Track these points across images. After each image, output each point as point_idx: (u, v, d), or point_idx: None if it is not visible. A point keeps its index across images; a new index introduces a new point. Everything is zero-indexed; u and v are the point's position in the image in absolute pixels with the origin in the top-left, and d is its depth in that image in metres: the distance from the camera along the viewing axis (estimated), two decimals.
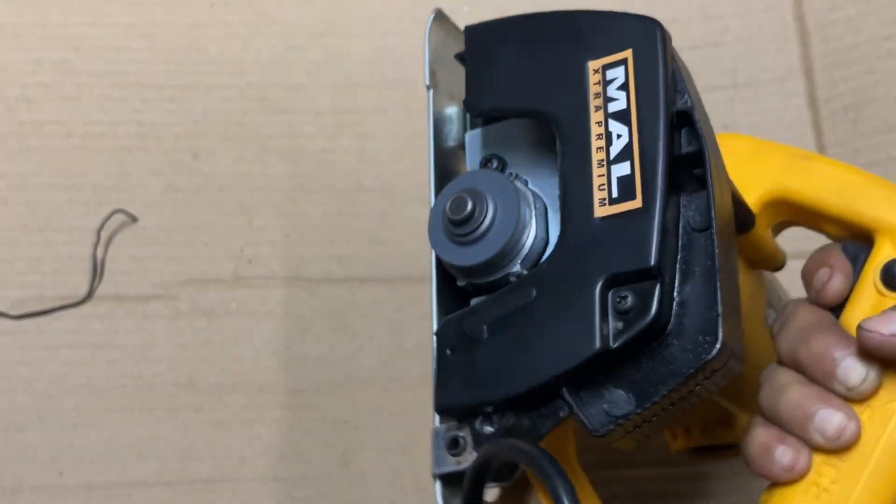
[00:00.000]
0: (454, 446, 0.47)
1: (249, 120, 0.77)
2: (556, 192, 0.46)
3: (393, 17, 0.80)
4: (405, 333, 0.72)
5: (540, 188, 0.48)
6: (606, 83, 0.45)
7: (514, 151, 0.50)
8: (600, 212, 0.43)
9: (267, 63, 0.79)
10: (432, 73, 0.55)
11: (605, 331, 0.42)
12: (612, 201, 0.43)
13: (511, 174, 0.49)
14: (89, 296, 0.71)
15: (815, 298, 0.51)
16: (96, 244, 0.72)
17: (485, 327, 0.45)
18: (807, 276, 0.52)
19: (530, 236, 0.46)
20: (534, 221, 0.46)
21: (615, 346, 0.42)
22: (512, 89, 0.48)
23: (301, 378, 0.69)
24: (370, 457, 0.69)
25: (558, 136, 0.46)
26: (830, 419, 0.46)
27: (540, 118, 0.47)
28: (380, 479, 0.69)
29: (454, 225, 0.47)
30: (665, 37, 0.45)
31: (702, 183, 0.44)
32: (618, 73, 0.45)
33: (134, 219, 0.73)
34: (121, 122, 0.76)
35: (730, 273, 0.44)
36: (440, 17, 0.55)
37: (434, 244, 0.49)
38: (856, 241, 0.51)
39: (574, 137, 0.45)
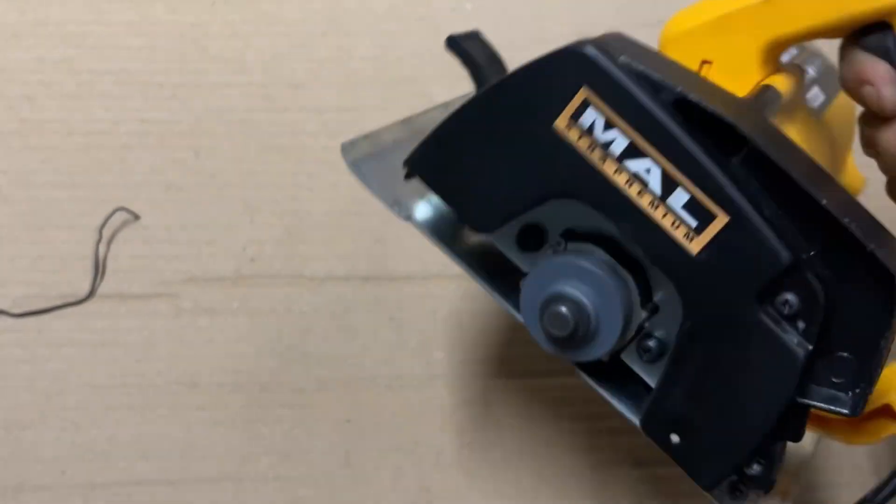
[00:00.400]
0: (734, 492, 0.45)
1: (251, 118, 0.77)
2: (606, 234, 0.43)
3: (395, 15, 0.80)
4: (408, 332, 0.72)
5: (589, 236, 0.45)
6: (589, 131, 0.41)
7: (544, 213, 0.45)
8: (695, 246, 0.41)
9: (269, 61, 0.79)
10: (398, 204, 0.49)
11: (795, 339, 0.41)
12: (698, 230, 0.40)
13: (560, 244, 0.45)
14: (91, 294, 0.71)
15: (880, 115, 0.47)
16: (98, 242, 0.72)
17: (687, 405, 0.43)
18: (855, 98, 0.48)
19: (636, 308, 0.44)
20: (630, 293, 0.44)
21: (813, 346, 0.40)
22: (505, 194, 0.44)
23: (303, 377, 0.69)
24: (373, 456, 0.69)
25: (591, 207, 0.42)
26: None
27: (557, 198, 0.44)
28: (382, 478, 0.69)
29: (560, 339, 0.45)
30: (606, 48, 0.41)
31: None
32: (591, 116, 0.41)
33: (136, 217, 0.73)
34: (122, 121, 0.76)
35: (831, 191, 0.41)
36: (347, 148, 0.50)
37: (542, 344, 0.46)
38: (869, 32, 0.46)
39: (607, 199, 0.42)
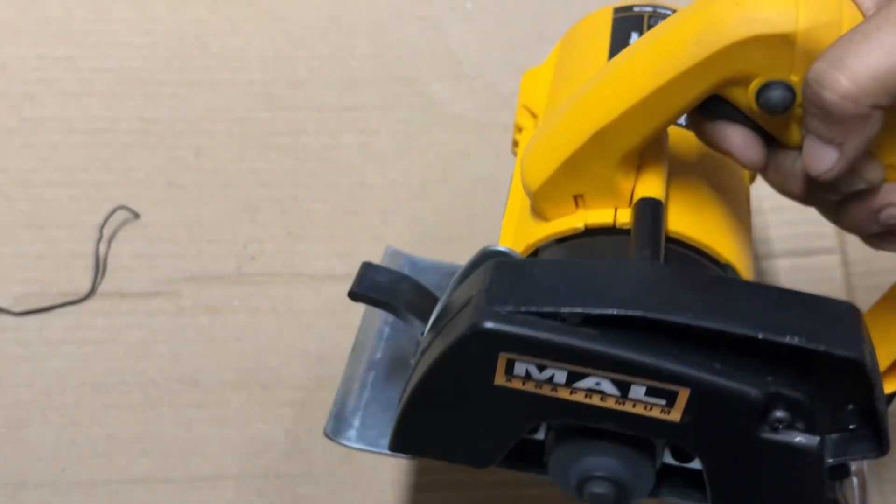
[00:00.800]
0: None
1: (252, 116, 0.77)
2: None
3: (395, 13, 0.80)
4: None
5: None
6: (528, 377, 0.42)
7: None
8: (675, 416, 0.42)
9: (269, 59, 0.79)
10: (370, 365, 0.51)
11: (803, 439, 0.42)
12: (669, 405, 0.42)
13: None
14: (92, 292, 0.71)
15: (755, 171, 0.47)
16: (99, 241, 0.72)
17: None
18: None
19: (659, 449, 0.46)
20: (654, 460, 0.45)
21: (819, 435, 0.42)
22: (487, 440, 0.45)
23: (304, 375, 0.69)
24: (373, 454, 0.69)
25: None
26: None
27: (534, 426, 0.45)
28: (383, 476, 0.69)
29: None
30: (501, 303, 0.41)
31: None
32: (521, 367, 0.42)
33: (136, 215, 0.73)
34: (123, 119, 0.76)
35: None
36: (336, 433, 0.51)
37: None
38: (705, 106, 0.45)
39: (578, 413, 0.43)
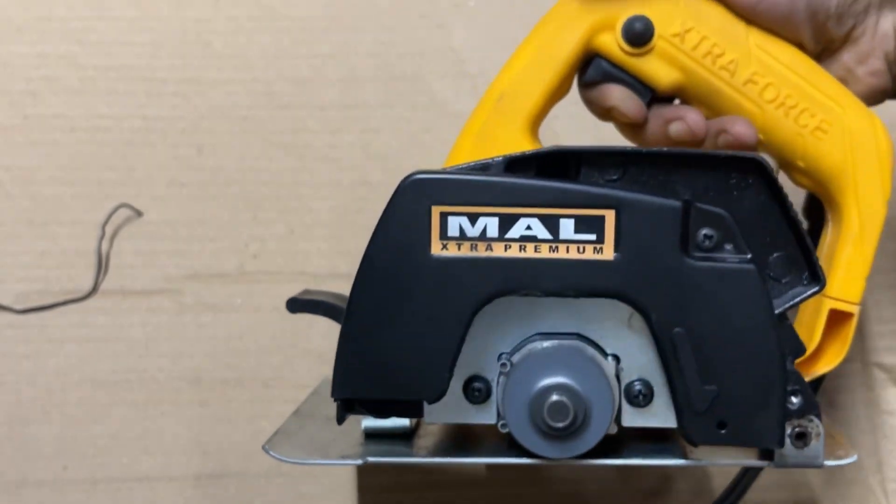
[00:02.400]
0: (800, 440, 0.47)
1: (254, 115, 0.77)
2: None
3: (397, 12, 0.80)
4: None
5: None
6: (462, 236, 0.44)
7: (474, 360, 0.48)
8: (608, 252, 0.44)
9: (272, 58, 0.79)
10: (347, 456, 0.50)
11: (735, 259, 0.45)
12: (599, 238, 0.44)
13: (505, 365, 0.47)
14: (94, 290, 0.71)
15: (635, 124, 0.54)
16: (101, 238, 0.72)
17: (708, 391, 0.46)
18: (610, 121, 0.55)
19: (608, 368, 0.47)
20: (598, 358, 0.46)
21: (750, 254, 0.45)
22: (434, 344, 0.45)
23: (306, 373, 0.69)
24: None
25: (509, 295, 0.45)
26: None
27: (476, 313, 0.46)
28: (386, 474, 0.69)
29: (551, 429, 0.46)
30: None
31: None
32: (455, 222, 0.44)
33: (139, 213, 0.73)
34: (125, 117, 0.76)
35: None
36: (276, 447, 0.50)
37: (521, 437, 0.47)
38: (586, 70, 0.53)
39: (516, 278, 0.45)
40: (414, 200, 0.44)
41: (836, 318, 0.53)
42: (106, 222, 0.72)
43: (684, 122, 0.51)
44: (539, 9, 0.82)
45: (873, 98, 0.54)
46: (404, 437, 0.50)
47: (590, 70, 0.52)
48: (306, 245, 0.73)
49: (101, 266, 0.71)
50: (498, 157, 0.46)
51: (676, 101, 0.54)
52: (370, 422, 0.50)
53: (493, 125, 0.50)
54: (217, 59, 0.78)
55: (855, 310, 0.53)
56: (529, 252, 0.44)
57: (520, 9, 0.82)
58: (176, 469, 0.66)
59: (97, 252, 0.71)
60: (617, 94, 0.52)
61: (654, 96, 0.53)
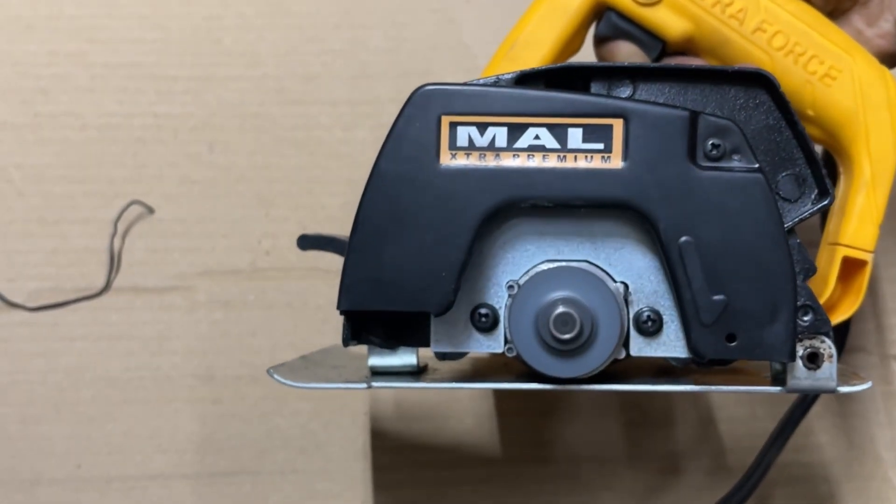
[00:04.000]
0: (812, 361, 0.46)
1: (265, 111, 0.77)
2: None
3: (408, 6, 0.80)
4: None
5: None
6: (471, 146, 0.45)
7: (481, 289, 0.48)
8: (616, 161, 0.44)
9: (282, 54, 0.78)
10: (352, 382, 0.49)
11: (744, 168, 0.45)
12: (608, 148, 0.44)
13: (513, 287, 0.47)
14: (106, 288, 0.70)
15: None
16: (113, 236, 0.72)
17: (717, 303, 0.45)
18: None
19: (629, 320, 0.47)
20: (626, 308, 0.46)
21: (758, 164, 0.45)
22: (443, 253, 0.45)
23: None
24: (390, 449, 0.69)
25: (517, 205, 0.45)
26: None
27: (484, 226, 0.46)
28: (400, 472, 0.68)
29: (558, 342, 0.45)
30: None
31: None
32: (464, 132, 0.45)
33: (150, 210, 0.73)
34: (136, 114, 0.76)
35: None
36: (283, 373, 0.50)
37: (528, 357, 0.46)
38: (599, 24, 0.55)
39: (525, 186, 0.45)
40: (424, 109, 0.44)
41: (850, 267, 0.54)
42: (118, 220, 0.72)
43: None
44: None
45: (882, 61, 0.54)
46: (412, 376, 0.49)
47: (601, 25, 0.53)
48: None
49: (114, 264, 0.71)
50: (507, 73, 0.46)
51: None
52: (377, 359, 0.49)
53: (503, 73, 0.50)
54: (227, 55, 0.78)
55: (868, 257, 0.54)
56: (538, 161, 0.44)
57: (530, 3, 0.82)
58: (190, 466, 0.66)
59: (109, 250, 0.71)
60: (625, 52, 0.53)
61: (664, 50, 0.53)
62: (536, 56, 0.53)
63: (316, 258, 0.73)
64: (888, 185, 0.53)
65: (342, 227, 0.73)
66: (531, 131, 0.44)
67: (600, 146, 0.44)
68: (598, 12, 0.54)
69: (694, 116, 0.44)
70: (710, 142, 0.44)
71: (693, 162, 0.44)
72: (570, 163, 0.44)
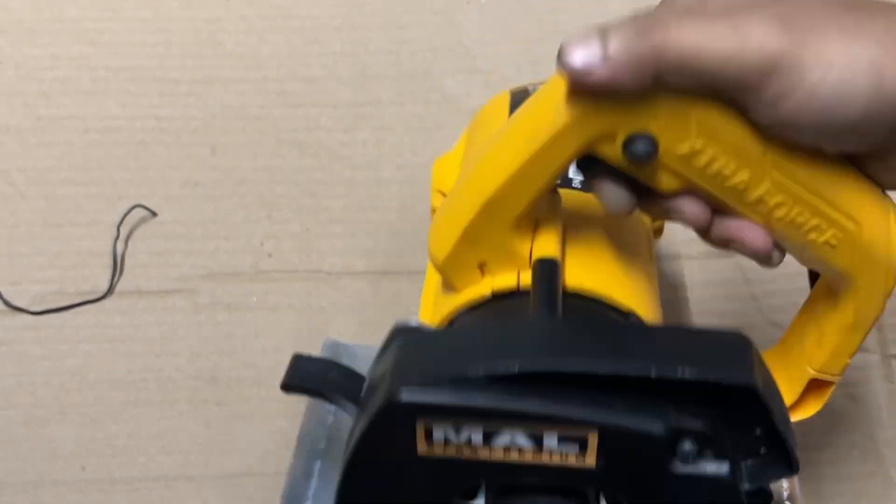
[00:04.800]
0: None
1: (267, 114, 0.77)
2: None
3: (410, 9, 0.80)
4: None
5: None
6: (446, 442, 0.43)
7: None
8: (589, 461, 0.43)
9: (284, 57, 0.79)
10: None
11: (713, 466, 0.44)
12: (582, 451, 0.43)
13: None
14: (109, 290, 0.71)
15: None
16: (116, 239, 0.72)
17: None
18: None
19: None
20: None
21: (729, 459, 0.43)
22: None
23: None
24: None
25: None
26: None
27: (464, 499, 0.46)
28: None
29: None
30: (413, 373, 0.43)
31: None
32: (440, 432, 0.43)
33: (153, 213, 0.73)
34: (138, 117, 0.76)
35: None
36: None
37: None
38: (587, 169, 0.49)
39: (500, 476, 0.44)
40: (398, 419, 0.43)
41: (817, 383, 0.53)
42: (121, 223, 0.72)
43: (684, 217, 0.48)
44: (553, 3, 0.82)
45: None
46: None
47: (586, 164, 0.48)
48: (321, 243, 0.73)
49: (117, 267, 0.71)
50: (479, 371, 0.43)
51: None
52: None
53: (479, 226, 0.48)
54: (229, 58, 0.79)
55: (836, 380, 0.53)
56: (514, 456, 0.44)
57: (532, 5, 0.83)
58: (194, 468, 0.66)
59: (112, 253, 0.71)
60: (606, 192, 0.48)
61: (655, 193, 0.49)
62: (515, 211, 0.48)
63: (319, 260, 0.73)
64: (870, 327, 0.52)
65: (344, 228, 0.74)
66: (506, 434, 0.43)
67: (575, 448, 0.43)
68: (587, 157, 0.47)
69: (672, 432, 0.43)
70: (686, 447, 0.43)
71: (665, 464, 0.44)
72: (545, 459, 0.44)
